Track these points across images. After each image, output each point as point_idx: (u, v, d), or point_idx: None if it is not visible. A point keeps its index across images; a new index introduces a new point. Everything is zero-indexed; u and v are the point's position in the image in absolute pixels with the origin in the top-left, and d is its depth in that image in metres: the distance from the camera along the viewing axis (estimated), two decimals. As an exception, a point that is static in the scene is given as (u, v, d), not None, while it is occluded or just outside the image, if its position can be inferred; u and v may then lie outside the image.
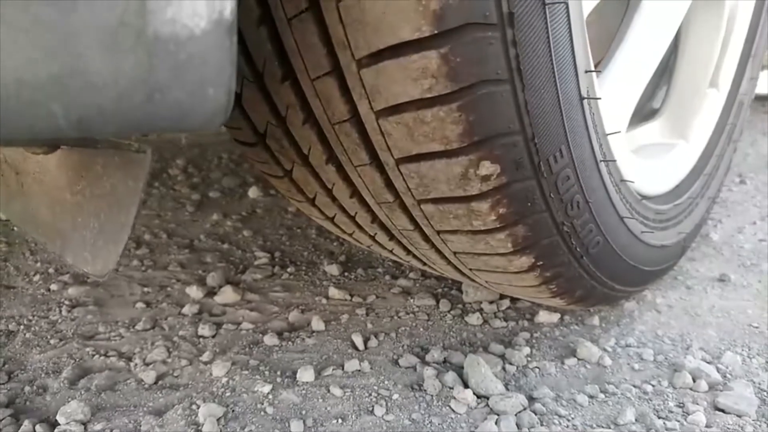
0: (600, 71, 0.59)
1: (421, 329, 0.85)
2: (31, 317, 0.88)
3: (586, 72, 0.52)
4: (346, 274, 1.05)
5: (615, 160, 0.62)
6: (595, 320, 0.86)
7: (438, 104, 0.44)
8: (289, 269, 1.06)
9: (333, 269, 1.05)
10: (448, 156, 0.47)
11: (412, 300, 0.94)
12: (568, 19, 0.45)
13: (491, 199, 0.50)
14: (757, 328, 0.84)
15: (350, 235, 0.77)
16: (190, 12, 0.25)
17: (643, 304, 0.92)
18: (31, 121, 0.26)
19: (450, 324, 0.87)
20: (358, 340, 0.80)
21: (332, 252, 1.14)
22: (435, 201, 0.53)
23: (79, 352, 0.79)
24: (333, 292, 0.96)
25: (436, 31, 0.40)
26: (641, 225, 0.72)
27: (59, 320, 0.88)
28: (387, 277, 1.03)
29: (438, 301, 0.93)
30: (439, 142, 0.47)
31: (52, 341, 0.82)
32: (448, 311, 0.90)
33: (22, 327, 0.86)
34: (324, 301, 0.94)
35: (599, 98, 0.53)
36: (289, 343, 0.81)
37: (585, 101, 0.51)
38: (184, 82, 0.27)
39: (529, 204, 0.52)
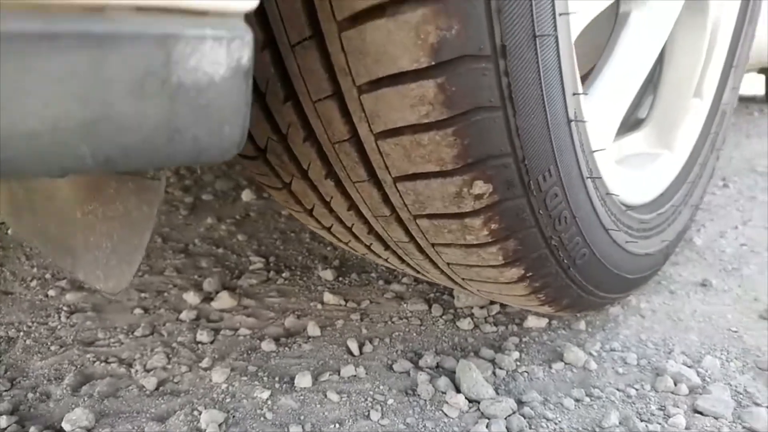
0: (586, 93, 0.61)
1: (414, 334, 0.88)
2: (30, 323, 0.90)
3: (574, 95, 0.54)
4: (340, 279, 1.07)
5: (601, 177, 0.65)
6: (582, 325, 0.89)
7: (434, 129, 0.46)
8: (284, 274, 1.09)
9: (327, 274, 1.07)
10: (444, 176, 0.50)
11: (405, 305, 0.96)
12: (557, 49, 0.48)
13: (484, 216, 0.53)
14: (736, 332, 0.88)
15: (346, 243, 0.79)
16: (212, 61, 0.27)
17: (628, 308, 0.95)
18: (61, 160, 0.28)
19: (442, 329, 0.89)
20: (353, 346, 0.83)
21: (326, 257, 1.16)
22: (430, 216, 0.56)
23: (80, 359, 0.80)
24: (328, 297, 0.98)
25: (433, 63, 0.42)
26: (626, 235, 0.75)
27: (58, 326, 0.89)
28: (380, 282, 1.05)
29: (430, 306, 0.96)
30: (434, 163, 0.49)
31: (52, 348, 0.83)
32: (440, 316, 0.93)
33: (21, 333, 0.87)
34: (319, 306, 0.97)
35: (585, 120, 0.56)
36: (286, 348, 0.83)
37: (572, 123, 0.53)
38: (203, 123, 0.29)
39: (520, 220, 0.54)
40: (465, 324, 0.90)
